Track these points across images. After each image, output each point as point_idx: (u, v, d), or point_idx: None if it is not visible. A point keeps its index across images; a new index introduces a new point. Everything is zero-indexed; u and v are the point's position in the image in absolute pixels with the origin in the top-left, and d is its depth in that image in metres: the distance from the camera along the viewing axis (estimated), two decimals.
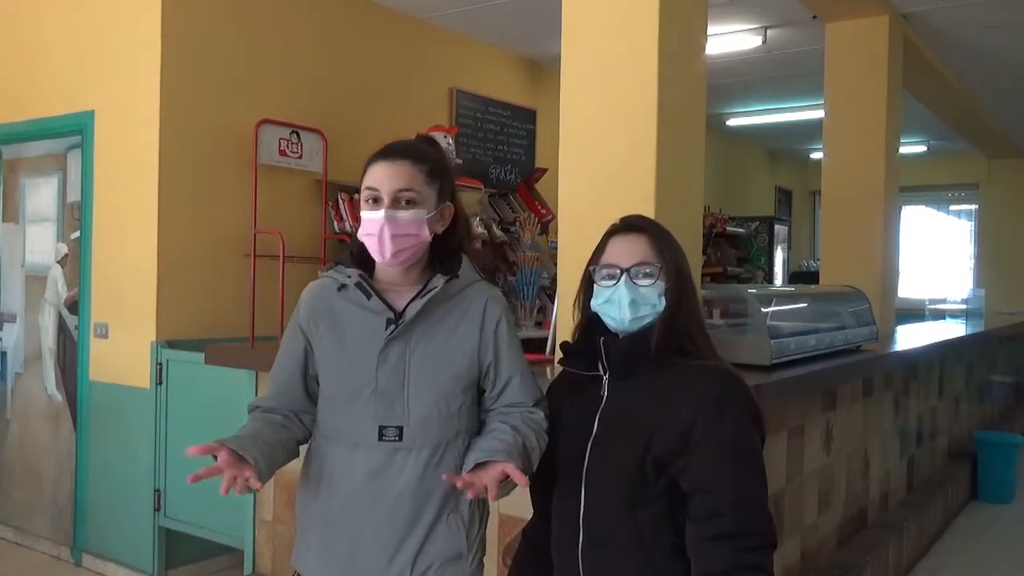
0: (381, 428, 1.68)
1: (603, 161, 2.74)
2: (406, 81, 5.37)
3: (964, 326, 6.52)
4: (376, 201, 1.67)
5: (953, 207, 12.02)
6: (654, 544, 1.59)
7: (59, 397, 4.53)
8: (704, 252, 7.22)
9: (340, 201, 4.72)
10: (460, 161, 5.33)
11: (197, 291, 4.16)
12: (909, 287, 9.26)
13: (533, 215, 5.71)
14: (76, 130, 4.39)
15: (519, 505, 2.40)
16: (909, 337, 4.87)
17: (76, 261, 4.43)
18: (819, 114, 5.30)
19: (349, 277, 1.72)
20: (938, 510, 4.87)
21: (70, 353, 4.48)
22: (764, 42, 5.84)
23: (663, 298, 1.67)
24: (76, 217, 4.43)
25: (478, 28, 5.73)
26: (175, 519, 4.02)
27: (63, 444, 4.50)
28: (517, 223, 5.63)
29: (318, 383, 1.78)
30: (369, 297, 1.69)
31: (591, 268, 1.74)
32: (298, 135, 4.51)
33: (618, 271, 1.68)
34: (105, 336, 4.28)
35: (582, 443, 1.67)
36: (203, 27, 4.17)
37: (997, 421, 7.16)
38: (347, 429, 1.72)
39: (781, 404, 2.94)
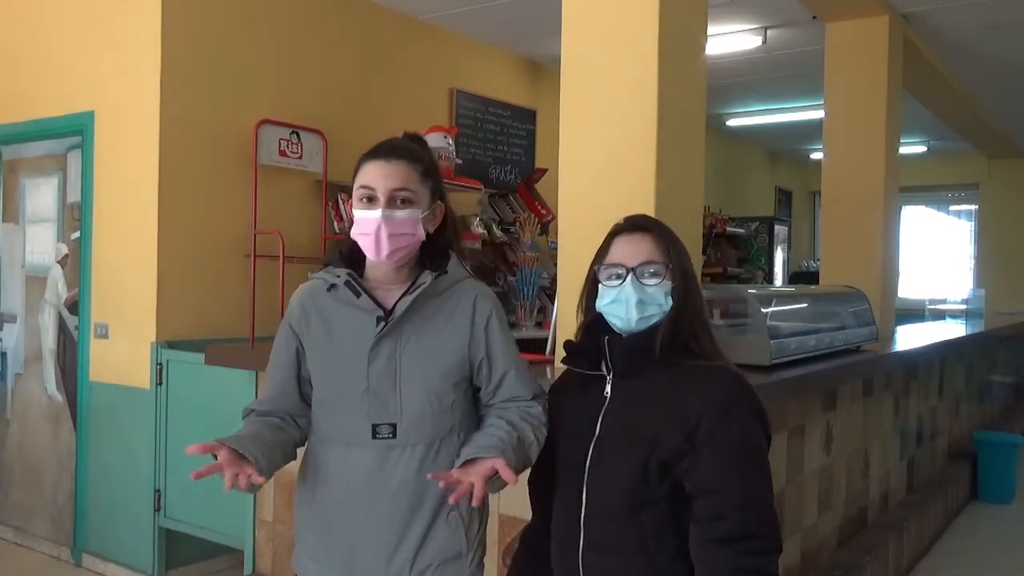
0: (375, 426, 1.68)
1: (603, 161, 2.74)
2: (406, 81, 5.37)
3: (964, 326, 6.52)
4: (371, 200, 1.67)
5: (953, 207, 12.02)
6: (657, 547, 1.57)
7: (59, 397, 4.53)
8: (704, 252, 7.22)
9: (340, 201, 4.72)
10: (460, 161, 5.33)
11: (197, 291, 4.16)
12: (909, 287, 9.26)
13: (533, 215, 5.72)
14: (76, 130, 4.39)
15: (519, 505, 2.40)
16: (909, 337, 4.87)
17: (76, 261, 4.43)
18: (819, 114, 5.30)
19: (338, 276, 1.72)
20: (938, 510, 4.86)
21: (70, 353, 4.48)
22: (764, 42, 5.84)
23: (669, 298, 1.65)
24: (76, 217, 4.43)
25: (478, 28, 5.73)
26: (175, 519, 4.02)
27: (63, 444, 4.50)
28: (517, 223, 5.63)
29: (311, 385, 1.78)
30: (359, 295, 1.70)
31: (595, 268, 1.72)
32: (298, 135, 4.51)
33: (624, 270, 1.66)
34: (105, 336, 4.28)
35: (584, 444, 1.65)
36: (203, 27, 4.17)
37: (997, 421, 7.16)
38: (341, 429, 1.72)
39: (781, 404, 2.94)
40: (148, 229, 4.05)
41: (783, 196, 11.56)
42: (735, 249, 9.06)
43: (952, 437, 5.80)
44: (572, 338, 1.79)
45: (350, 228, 1.74)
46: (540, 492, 1.79)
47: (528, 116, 6.49)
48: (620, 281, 1.66)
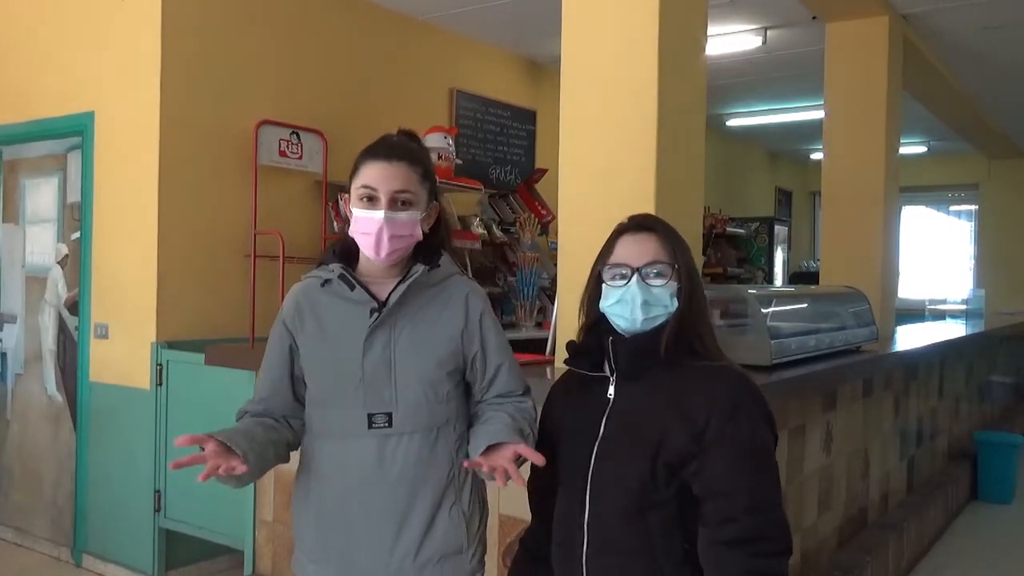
0: (370, 416, 1.69)
1: (603, 161, 2.74)
2: (406, 82, 5.37)
3: (964, 326, 6.52)
4: (371, 200, 1.68)
5: (953, 207, 12.02)
6: (664, 551, 1.55)
7: (59, 398, 4.53)
8: (704, 253, 7.22)
9: (340, 201, 4.71)
10: (460, 161, 5.33)
11: (197, 292, 4.16)
12: (909, 287, 9.27)
13: (533, 216, 5.72)
14: (76, 131, 4.39)
15: (519, 505, 2.40)
16: (909, 337, 4.87)
17: (76, 262, 4.43)
18: (819, 114, 5.30)
19: (331, 271, 1.74)
20: (938, 510, 4.86)
21: (70, 354, 4.48)
22: (764, 42, 5.84)
23: (675, 299, 1.63)
24: (76, 218, 4.43)
25: (478, 28, 5.73)
26: (175, 520, 4.02)
27: (63, 445, 4.50)
28: (517, 224, 5.64)
29: (305, 384, 1.78)
30: (352, 288, 1.71)
31: (599, 268, 1.69)
32: (298, 136, 4.51)
33: (629, 271, 1.63)
34: (105, 337, 4.28)
35: (587, 446, 1.63)
36: (203, 27, 4.17)
37: (997, 421, 7.16)
38: (337, 423, 1.72)
39: (781, 404, 2.94)
40: (148, 229, 4.05)
41: (783, 196, 11.56)
42: (735, 249, 9.06)
43: (952, 437, 5.80)
44: (573, 339, 1.77)
45: (347, 225, 1.75)
46: (539, 495, 1.77)
47: (528, 116, 6.49)
48: (625, 281, 1.63)
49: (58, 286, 4.55)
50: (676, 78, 2.71)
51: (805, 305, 3.59)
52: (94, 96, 4.31)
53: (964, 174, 11.08)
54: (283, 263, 4.14)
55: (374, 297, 1.71)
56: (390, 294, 1.70)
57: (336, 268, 1.73)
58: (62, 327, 4.53)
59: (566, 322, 2.66)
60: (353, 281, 1.72)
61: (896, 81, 5.10)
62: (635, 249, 1.65)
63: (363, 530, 1.71)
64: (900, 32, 5.17)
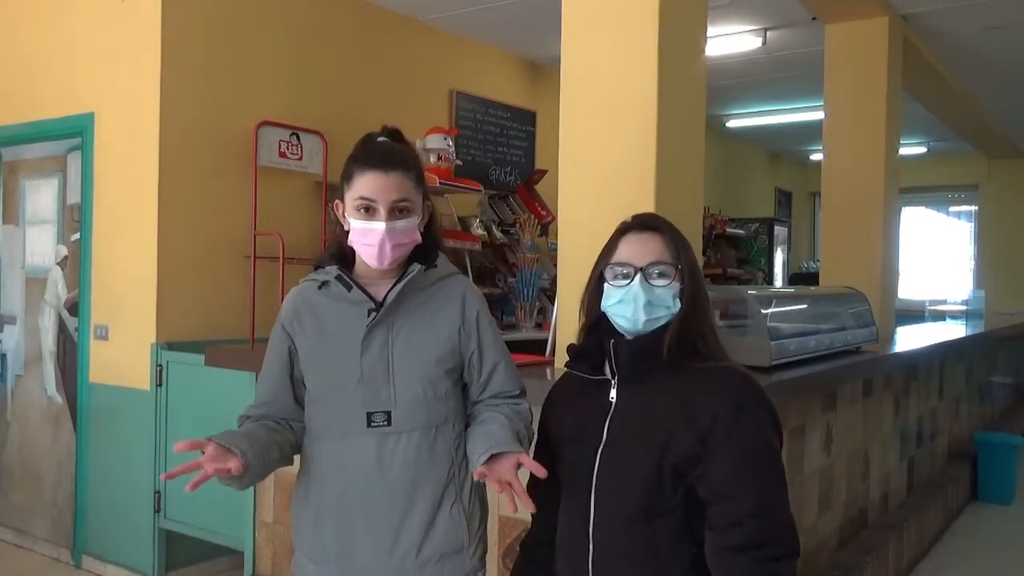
0: (369, 415, 1.69)
1: (603, 162, 2.74)
2: (406, 83, 5.37)
3: (964, 327, 6.52)
4: (369, 210, 1.69)
5: (953, 208, 12.02)
6: (671, 556, 1.53)
7: (59, 399, 4.53)
8: (704, 253, 7.22)
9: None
10: (460, 162, 5.33)
11: (197, 293, 4.16)
12: (909, 288, 9.27)
13: (533, 216, 5.71)
14: (76, 132, 4.39)
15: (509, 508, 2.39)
16: (909, 338, 4.87)
17: (76, 263, 4.43)
18: (819, 115, 5.30)
19: (328, 274, 1.75)
20: (938, 511, 4.86)
21: (70, 355, 4.47)
22: (764, 43, 5.84)
23: (678, 300, 1.61)
24: (76, 219, 4.43)
25: (478, 29, 5.73)
26: (175, 521, 4.02)
27: (63, 446, 4.50)
28: (517, 224, 5.63)
29: (305, 387, 1.79)
30: (350, 289, 1.72)
31: (602, 267, 1.67)
32: (298, 137, 4.51)
33: (632, 270, 1.61)
34: (105, 338, 4.28)
35: (591, 451, 1.61)
36: (203, 29, 4.17)
37: (997, 422, 7.16)
38: (336, 422, 1.73)
39: (781, 405, 2.91)
40: (148, 231, 4.05)
41: (783, 197, 11.56)
42: (735, 250, 9.05)
43: (952, 438, 5.80)
44: (573, 339, 1.75)
45: (337, 225, 1.76)
46: (540, 499, 1.75)
47: (528, 117, 6.49)
48: (628, 281, 1.61)
49: (58, 287, 4.55)
50: (676, 78, 2.71)
51: (805, 306, 3.59)
52: (94, 97, 4.31)
53: (964, 174, 11.08)
54: (283, 264, 4.14)
55: (371, 297, 1.72)
56: (387, 294, 1.71)
57: (333, 270, 1.75)
58: (62, 328, 4.53)
59: (566, 323, 2.65)
60: (350, 282, 1.72)
61: (896, 81, 5.10)
62: (639, 248, 1.63)
63: (363, 530, 1.71)
64: (900, 32, 5.17)
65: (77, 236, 4.42)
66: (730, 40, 5.83)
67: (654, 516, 1.54)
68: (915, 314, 7.49)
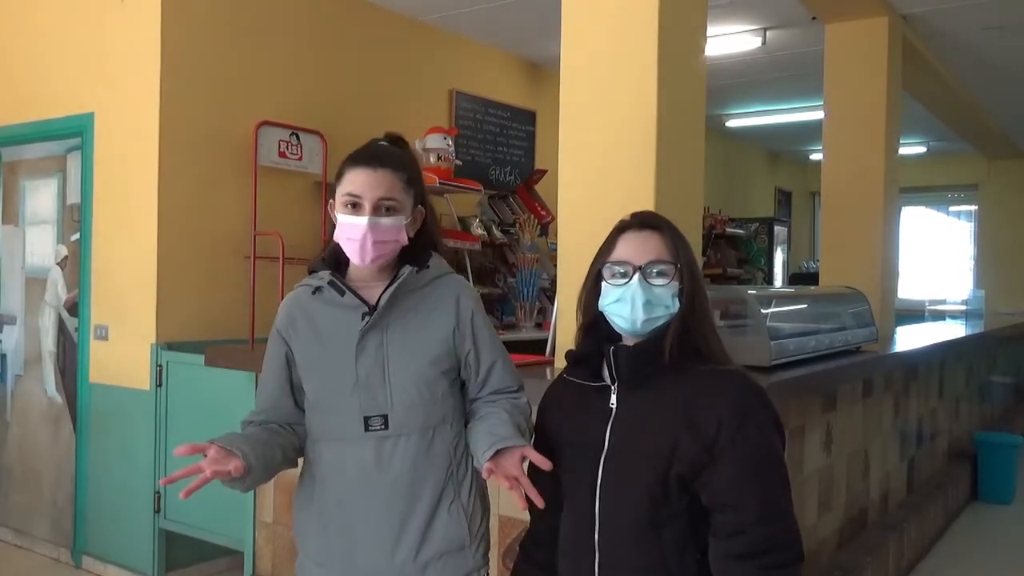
0: (366, 419, 1.70)
1: (603, 162, 2.74)
2: (406, 82, 5.37)
3: (964, 327, 6.52)
4: (355, 206, 1.69)
5: (953, 208, 12.02)
6: (678, 565, 1.51)
7: (59, 399, 4.53)
8: (704, 253, 7.23)
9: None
10: (460, 162, 5.33)
11: (197, 293, 4.16)
12: (909, 288, 9.26)
13: (533, 216, 5.72)
14: (76, 132, 4.39)
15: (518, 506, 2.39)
16: (909, 338, 4.87)
17: (76, 263, 4.43)
18: (819, 115, 5.30)
19: (321, 279, 1.75)
20: (938, 511, 4.86)
21: (70, 355, 4.47)
22: (764, 43, 5.84)
23: (677, 300, 1.58)
24: (76, 219, 4.43)
25: (478, 29, 5.73)
26: (175, 521, 4.02)
27: (63, 446, 4.50)
28: (517, 224, 5.64)
29: (304, 391, 1.79)
30: (343, 294, 1.72)
31: (600, 265, 1.64)
32: (298, 137, 4.51)
33: (630, 269, 1.58)
34: (105, 338, 4.28)
35: (593, 458, 1.58)
36: (203, 29, 4.17)
37: (997, 422, 7.16)
38: (334, 427, 1.73)
39: (781, 405, 2.91)
40: (148, 231, 4.05)
41: (783, 197, 11.56)
42: (735, 250, 9.05)
43: (952, 438, 5.80)
44: (573, 339, 1.73)
45: (332, 228, 1.76)
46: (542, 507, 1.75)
47: (528, 117, 6.49)
48: (626, 280, 1.58)
49: (58, 287, 4.55)
50: (676, 78, 2.70)
51: (805, 306, 3.59)
52: (94, 97, 4.31)
53: (964, 174, 11.08)
54: (283, 264, 4.14)
55: (364, 301, 1.72)
56: (380, 297, 1.71)
57: (325, 275, 1.75)
58: (62, 328, 4.53)
59: (566, 323, 2.65)
60: (343, 287, 1.73)
61: (896, 81, 5.10)
62: (638, 247, 1.60)
63: (365, 532, 1.71)
64: (900, 32, 5.17)
65: (77, 236, 4.42)
66: (730, 40, 5.83)
67: (660, 524, 1.52)
68: (915, 314, 7.49)
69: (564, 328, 2.66)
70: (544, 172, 6.11)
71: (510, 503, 2.60)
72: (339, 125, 4.73)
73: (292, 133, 4.49)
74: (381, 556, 1.71)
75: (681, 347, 1.57)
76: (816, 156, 10.77)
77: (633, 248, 1.61)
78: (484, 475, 1.61)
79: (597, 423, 1.60)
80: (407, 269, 1.72)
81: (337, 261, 1.79)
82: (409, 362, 1.71)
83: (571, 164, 2.82)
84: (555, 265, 3.38)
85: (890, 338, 4.71)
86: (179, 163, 4.08)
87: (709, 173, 3.33)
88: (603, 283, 1.63)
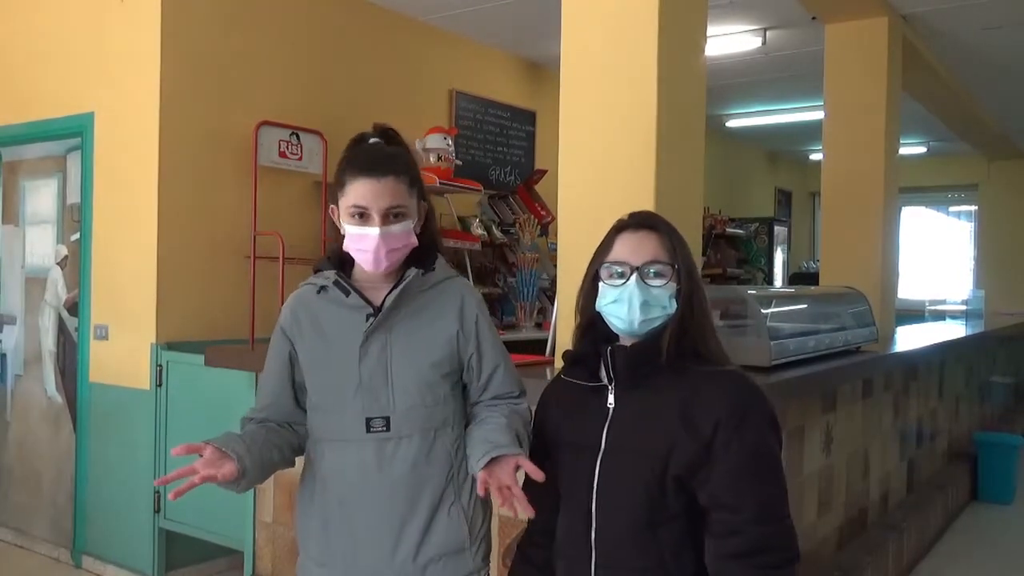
0: (368, 420, 1.70)
1: (603, 162, 2.74)
2: (406, 82, 5.37)
3: (964, 327, 6.52)
4: (363, 216, 1.68)
5: (953, 208, 12.02)
6: (676, 565, 1.51)
7: (59, 399, 4.53)
8: (704, 253, 7.22)
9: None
10: (460, 162, 5.33)
11: (197, 293, 4.16)
12: (909, 288, 9.26)
13: (533, 216, 5.72)
14: (76, 132, 4.39)
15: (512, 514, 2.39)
16: (909, 338, 4.87)
17: (76, 263, 4.43)
18: (819, 115, 5.30)
19: (327, 278, 1.75)
20: (938, 511, 4.86)
21: (70, 355, 4.47)
22: (764, 43, 5.84)
23: (674, 301, 1.58)
24: (76, 219, 4.43)
25: (478, 29, 5.73)
26: (175, 521, 4.02)
27: (63, 446, 4.50)
28: (517, 224, 5.64)
29: (306, 391, 1.79)
30: (348, 294, 1.72)
31: (597, 265, 1.63)
32: (298, 137, 4.51)
33: (628, 269, 1.58)
34: (105, 338, 4.28)
35: (589, 459, 1.58)
36: (203, 29, 4.17)
37: (997, 422, 7.16)
38: (336, 428, 1.73)
39: (781, 405, 2.93)
40: (148, 230, 4.05)
41: (783, 197, 11.56)
42: (735, 250, 9.05)
43: (952, 438, 5.80)
44: (570, 348, 1.72)
45: (336, 234, 1.76)
46: (536, 501, 1.74)
47: (528, 117, 6.49)
48: (623, 280, 1.58)
49: (58, 287, 4.55)
50: (676, 78, 2.70)
51: (805, 306, 3.59)
52: (94, 97, 4.31)
53: (964, 175, 11.08)
54: (283, 264, 4.14)
55: (369, 303, 1.71)
56: (384, 299, 1.71)
57: (331, 275, 1.74)
58: (62, 328, 4.53)
59: (566, 323, 2.64)
60: (348, 287, 1.72)
61: (896, 81, 5.10)
62: (635, 247, 1.60)
63: (365, 532, 1.71)
64: (900, 33, 5.17)
65: (77, 236, 4.42)
66: (730, 40, 5.83)
67: (657, 524, 1.52)
68: (915, 314, 7.49)
69: (564, 328, 2.66)
70: (544, 172, 6.11)
71: None
72: (339, 125, 4.72)
73: (292, 133, 4.49)
74: (382, 557, 1.71)
75: (679, 348, 1.57)
76: (816, 156, 10.77)
77: (630, 248, 1.60)
78: (479, 488, 1.60)
79: (594, 423, 1.60)
80: (412, 271, 1.72)
81: (342, 260, 1.78)
82: (412, 365, 1.71)
83: (571, 164, 2.81)
84: (555, 265, 3.38)
85: (890, 338, 4.71)
86: (179, 163, 4.08)
87: (709, 173, 3.32)
88: (600, 283, 1.63)
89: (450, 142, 4.96)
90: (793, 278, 10.06)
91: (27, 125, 4.64)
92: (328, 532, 1.75)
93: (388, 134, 1.82)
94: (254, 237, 4.24)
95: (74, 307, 4.44)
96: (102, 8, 4.28)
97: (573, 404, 1.67)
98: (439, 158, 4.86)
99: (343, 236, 1.74)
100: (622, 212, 1.72)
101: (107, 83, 4.25)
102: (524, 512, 1.55)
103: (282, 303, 4.15)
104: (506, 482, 1.57)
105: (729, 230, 8.76)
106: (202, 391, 3.89)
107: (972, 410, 6.42)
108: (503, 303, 5.56)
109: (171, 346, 4.05)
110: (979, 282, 10.68)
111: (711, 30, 4.07)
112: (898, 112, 5.19)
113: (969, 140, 9.31)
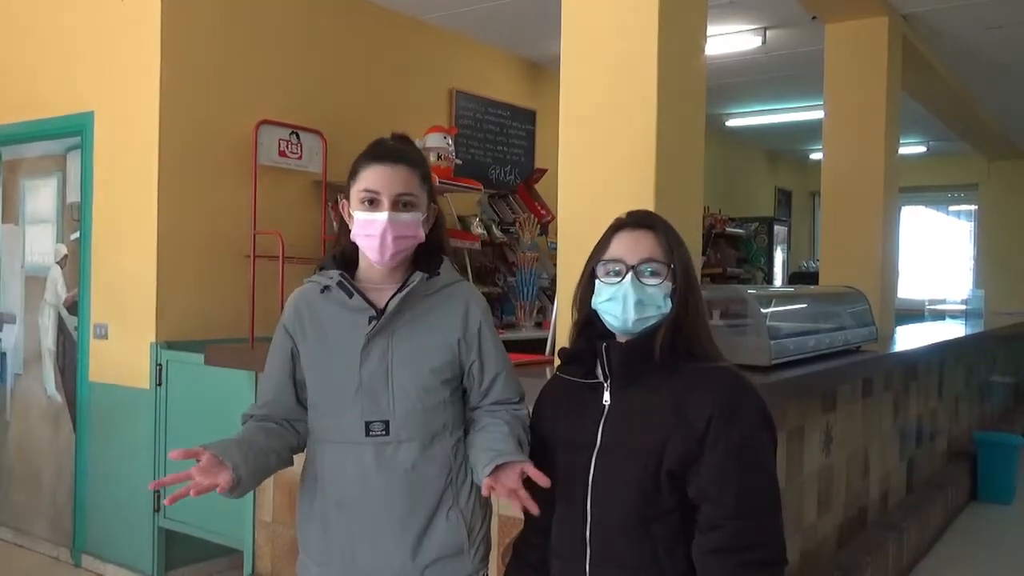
0: (368, 424, 1.69)
1: (603, 161, 2.74)
2: (406, 82, 5.37)
3: (964, 326, 6.52)
4: (373, 203, 1.69)
5: (953, 208, 12.02)
6: (669, 561, 1.51)
7: (59, 398, 4.53)
8: (704, 253, 7.22)
9: (340, 206, 4.71)
10: (460, 161, 5.33)
11: (197, 292, 4.16)
12: (909, 288, 9.26)
13: (533, 216, 5.72)
14: (76, 131, 4.39)
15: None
16: (909, 338, 4.87)
17: (76, 262, 4.43)
18: (819, 115, 5.30)
19: (331, 278, 1.74)
20: (938, 511, 4.86)
21: (70, 354, 4.47)
22: (764, 43, 5.84)
23: (669, 300, 1.58)
24: (75, 218, 4.43)
25: (478, 29, 5.73)
26: (175, 520, 4.02)
27: (63, 445, 4.50)
28: (517, 224, 5.64)
29: (307, 388, 1.79)
30: (351, 296, 1.72)
31: (594, 263, 1.64)
32: (298, 136, 4.51)
33: (623, 267, 1.59)
34: (105, 337, 4.28)
35: (585, 455, 1.58)
36: (202, 28, 4.17)
37: (997, 422, 7.16)
38: (336, 429, 1.73)
39: (780, 405, 2.94)
40: (148, 230, 4.05)
41: (783, 196, 11.57)
42: (734, 249, 9.05)
43: (952, 437, 5.81)
44: (566, 346, 1.73)
45: (339, 228, 1.76)
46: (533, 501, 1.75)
47: (528, 116, 6.49)
48: (619, 278, 1.59)
49: (57, 286, 4.55)
50: (676, 78, 2.70)
51: (804, 305, 3.59)
52: (94, 96, 4.31)
53: (963, 174, 11.08)
54: (283, 263, 4.14)
55: (372, 305, 1.71)
56: (388, 302, 1.70)
57: (335, 275, 1.74)
58: (61, 327, 4.53)
59: (565, 322, 2.64)
60: (351, 288, 1.72)
61: (896, 81, 5.10)
62: (631, 246, 1.61)
63: (364, 534, 1.72)
64: (900, 32, 5.17)
65: (77, 235, 4.42)
66: (730, 39, 5.83)
67: (651, 521, 1.52)
68: (915, 314, 7.49)
69: (564, 327, 2.65)
70: (544, 171, 6.11)
71: (510, 503, 2.60)
72: (339, 125, 4.73)
73: (292, 132, 4.48)
74: (380, 558, 1.71)
75: (673, 346, 1.57)
76: (816, 156, 10.77)
77: (627, 247, 1.61)
78: (484, 491, 1.61)
79: (590, 420, 1.61)
80: (418, 276, 1.72)
81: (347, 260, 1.78)
82: (413, 370, 1.71)
83: (571, 163, 2.81)
84: (555, 264, 3.38)
85: (890, 338, 4.71)
86: (179, 162, 4.08)
87: (709, 173, 3.33)
88: (597, 281, 1.63)
89: (450, 141, 4.96)
90: (793, 278, 10.07)
91: (27, 124, 4.64)
92: (327, 532, 1.75)
93: (404, 139, 1.84)
94: (254, 236, 4.24)
95: (74, 306, 4.44)
96: (102, 8, 4.28)
97: (569, 402, 1.67)
98: (439, 157, 4.85)
99: (349, 232, 1.74)
100: (622, 211, 1.72)
101: (107, 82, 4.25)
102: (531, 510, 1.56)
103: (282, 302, 4.13)
104: (512, 487, 1.57)
105: (729, 229, 8.76)
106: (202, 390, 3.89)
107: (972, 410, 6.42)
108: (503, 302, 5.56)
109: (171, 345, 4.05)
110: (979, 282, 10.68)
111: (711, 30, 4.07)
112: (898, 112, 5.19)
113: (969, 140, 9.31)
